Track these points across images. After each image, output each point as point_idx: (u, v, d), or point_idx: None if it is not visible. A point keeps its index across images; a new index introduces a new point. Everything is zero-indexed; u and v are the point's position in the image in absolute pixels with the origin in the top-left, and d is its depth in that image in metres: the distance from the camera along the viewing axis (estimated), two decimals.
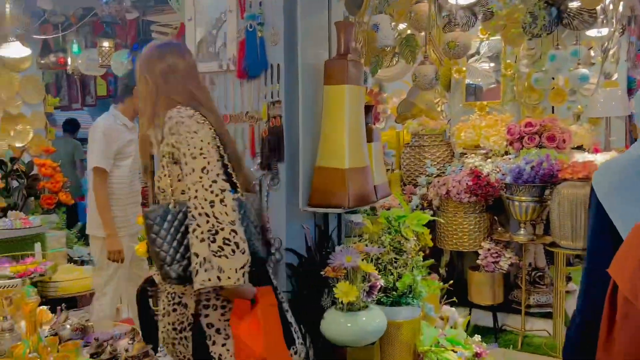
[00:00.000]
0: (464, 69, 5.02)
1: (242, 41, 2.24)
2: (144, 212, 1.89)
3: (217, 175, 1.86)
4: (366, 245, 2.33)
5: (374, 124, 2.57)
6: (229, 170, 1.94)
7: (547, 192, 3.55)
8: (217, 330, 1.93)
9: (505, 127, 4.08)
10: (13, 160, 4.76)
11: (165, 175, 1.93)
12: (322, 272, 2.10)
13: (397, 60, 4.65)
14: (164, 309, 2.05)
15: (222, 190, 1.85)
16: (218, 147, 1.91)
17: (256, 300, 1.93)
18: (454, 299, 3.02)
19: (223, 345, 1.93)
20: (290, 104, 2.19)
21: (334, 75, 2.13)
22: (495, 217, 4.10)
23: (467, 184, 3.86)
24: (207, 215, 1.84)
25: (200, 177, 1.85)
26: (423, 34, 3.79)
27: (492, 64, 5.05)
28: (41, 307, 2.13)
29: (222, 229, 1.83)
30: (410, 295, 2.36)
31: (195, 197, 1.84)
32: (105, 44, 4.71)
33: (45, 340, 1.35)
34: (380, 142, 2.55)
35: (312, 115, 2.19)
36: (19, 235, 3.76)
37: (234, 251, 1.83)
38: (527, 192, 3.54)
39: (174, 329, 1.97)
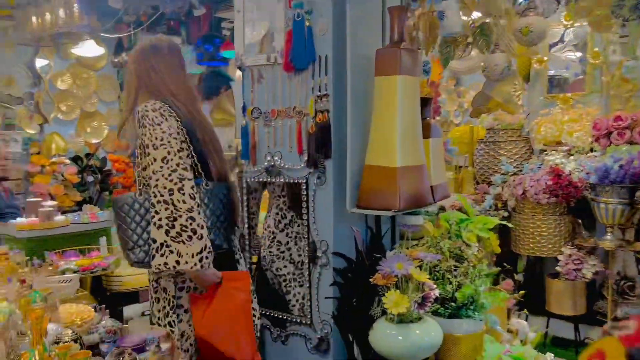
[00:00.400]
0: (546, 58, 4.63)
1: (289, 32, 2.11)
2: (112, 199, 1.99)
3: (177, 165, 1.94)
4: (427, 250, 2.15)
5: (433, 118, 2.36)
6: (195, 160, 2.03)
7: (638, 193, 3.18)
8: (185, 311, 2.05)
9: (590, 121, 3.70)
10: (88, 155, 4.93)
11: (137, 165, 2.04)
12: (370, 279, 1.93)
13: (471, 50, 4.37)
14: (151, 297, 2.16)
15: (181, 179, 1.93)
16: (184, 139, 2.00)
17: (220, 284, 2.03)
18: (525, 311, 2.75)
19: (187, 322, 2.05)
20: (338, 98, 2.03)
21: (386, 65, 1.95)
22: (579, 221, 3.74)
23: (546, 183, 3.54)
24: (165, 202, 1.92)
25: (161, 167, 1.94)
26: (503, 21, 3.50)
27: (579, 54, 4.62)
28: (85, 306, 2.11)
29: (180, 216, 1.91)
30: (472, 307, 2.14)
31: (156, 185, 1.94)
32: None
33: (54, 349, 1.30)
34: (440, 138, 2.34)
35: (362, 109, 2.02)
36: (87, 229, 3.86)
37: (190, 237, 1.92)
38: (614, 193, 3.18)
39: (163, 316, 2.06)
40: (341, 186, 2.04)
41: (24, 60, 5.51)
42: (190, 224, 1.92)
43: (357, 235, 2.12)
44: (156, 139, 1.99)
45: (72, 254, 3.64)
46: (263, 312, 2.32)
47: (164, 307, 2.07)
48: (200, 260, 1.92)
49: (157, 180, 1.94)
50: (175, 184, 1.93)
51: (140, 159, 2.05)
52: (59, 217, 3.79)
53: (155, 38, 2.32)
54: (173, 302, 2.04)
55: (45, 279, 2.72)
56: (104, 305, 2.09)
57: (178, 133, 2.01)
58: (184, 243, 1.92)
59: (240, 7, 2.31)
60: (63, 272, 3.34)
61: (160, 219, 1.93)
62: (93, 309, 2.07)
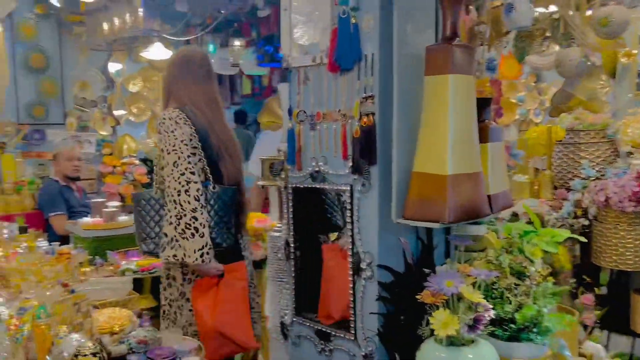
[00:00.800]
0: (635, 51, 4.21)
1: (334, 30, 1.98)
2: (132, 194, 2.66)
3: (186, 169, 2.22)
4: (485, 265, 1.97)
5: (493, 120, 2.15)
6: (205, 165, 2.30)
7: None
8: (188, 300, 2.34)
9: None
10: None
11: (156, 165, 2.34)
12: (417, 296, 1.77)
13: (549, 44, 4.06)
14: (162, 284, 2.42)
15: (188, 182, 2.20)
16: (197, 145, 2.28)
17: (223, 277, 2.28)
18: (606, 330, 2.47)
19: (190, 310, 2.33)
20: (384, 100, 1.89)
21: (436, 63, 1.78)
22: None
23: (632, 190, 3.19)
24: (174, 202, 2.21)
25: (172, 170, 2.22)
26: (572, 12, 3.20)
27: None
28: (128, 312, 2.09)
29: (185, 215, 2.18)
30: (534, 330, 1.93)
31: (168, 186, 2.23)
32: (237, 42, 4.76)
33: None
34: (501, 142, 2.13)
35: (410, 111, 1.86)
36: None
37: (193, 235, 2.19)
38: None
39: (171, 301, 2.37)
40: (387, 194, 1.89)
41: (98, 64, 5.72)
42: (193, 223, 2.17)
43: (405, 247, 1.96)
44: (169, 144, 2.25)
45: (134, 254, 3.70)
46: (304, 323, 2.21)
47: (172, 294, 2.35)
48: (201, 255, 2.20)
49: (169, 182, 2.22)
50: (183, 186, 2.19)
51: (159, 160, 2.31)
52: (123, 218, 3.87)
53: (187, 49, 2.61)
54: (181, 289, 2.34)
55: (91, 281, 2.75)
56: (146, 312, 2.06)
57: (190, 140, 2.28)
58: (187, 239, 2.18)
59: (286, 5, 2.21)
60: (123, 272, 3.39)
61: (171, 216, 2.22)
62: (136, 315, 2.05)
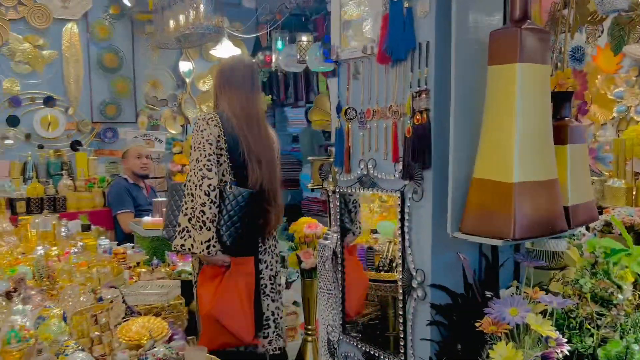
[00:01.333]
0: None
1: (385, 16, 1.75)
2: (170, 184, 2.78)
3: (204, 165, 2.42)
4: (560, 288, 1.67)
5: (575, 118, 1.84)
6: (227, 166, 2.48)
7: None
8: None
9: None
10: None
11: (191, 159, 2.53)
12: (476, 324, 1.52)
13: None
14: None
15: (202, 178, 2.40)
16: (223, 147, 2.48)
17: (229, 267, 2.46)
18: None
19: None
20: (441, 94, 1.63)
21: (501, 50, 1.51)
22: None
23: None
24: (191, 195, 2.42)
25: (193, 166, 2.44)
26: None
27: None
28: (162, 322, 1.96)
29: (196, 208, 2.39)
30: None
31: (189, 180, 2.45)
32: (304, 38, 4.60)
33: None
34: (584, 144, 1.80)
35: (471, 107, 1.60)
36: None
37: (201, 227, 2.39)
38: None
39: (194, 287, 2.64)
40: (442, 203, 1.63)
41: (169, 63, 5.76)
42: (201, 216, 2.38)
43: (465, 265, 1.69)
44: (196, 142, 2.48)
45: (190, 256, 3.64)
46: (351, 342, 2.00)
47: (193, 281, 2.66)
48: (208, 247, 2.40)
49: (189, 176, 2.44)
50: (199, 180, 2.40)
51: (191, 154, 2.49)
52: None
53: (233, 58, 2.80)
54: (196, 277, 2.59)
55: (139, 284, 2.67)
56: (169, 324, 1.93)
57: (217, 141, 2.47)
58: (196, 231, 2.39)
59: None
60: (179, 274, 3.33)
61: (186, 208, 2.43)
62: (168, 327, 1.92)
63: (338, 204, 2.03)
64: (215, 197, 2.41)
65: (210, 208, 2.39)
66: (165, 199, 4.29)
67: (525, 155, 1.49)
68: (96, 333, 1.48)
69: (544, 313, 1.51)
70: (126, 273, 2.79)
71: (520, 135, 1.48)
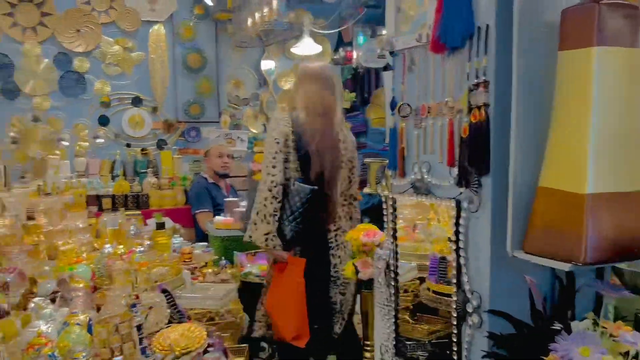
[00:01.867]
0: None
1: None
2: (249, 182, 2.97)
3: (270, 162, 2.62)
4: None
5: None
6: (292, 163, 2.66)
7: None
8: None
9: None
10: None
11: None
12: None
13: None
14: None
15: (267, 174, 2.62)
16: (291, 145, 2.65)
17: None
18: None
19: None
20: (502, 87, 1.39)
21: (575, 32, 1.24)
22: None
23: None
24: (260, 190, 2.64)
25: (265, 163, 2.65)
26: None
27: None
28: (199, 331, 1.86)
29: (260, 202, 2.61)
30: None
31: (261, 176, 2.67)
32: (385, 32, 4.36)
33: None
34: None
35: (537, 101, 1.34)
36: None
37: (262, 221, 2.61)
38: None
39: None
40: (503, 216, 1.39)
41: (251, 62, 5.76)
42: (263, 210, 2.59)
43: (532, 288, 1.43)
44: (268, 140, 2.69)
45: (262, 257, 3.56)
46: None
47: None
48: (266, 240, 2.62)
49: (262, 173, 2.65)
50: (264, 177, 2.61)
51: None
52: None
53: (315, 65, 2.89)
54: (271, 272, 2.81)
55: (198, 286, 2.61)
56: (209, 333, 1.81)
57: (285, 140, 2.64)
58: (259, 223, 2.61)
59: None
60: (246, 276, 3.26)
61: (255, 202, 2.66)
62: (205, 335, 1.81)
63: (392, 211, 1.83)
64: (278, 193, 2.59)
65: (271, 203, 2.58)
66: (237, 198, 4.28)
67: (603, 160, 1.21)
68: (116, 344, 1.41)
69: (625, 355, 1.23)
70: (186, 274, 2.75)
71: (596, 135, 1.21)
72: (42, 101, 5.13)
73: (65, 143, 5.18)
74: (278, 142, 2.62)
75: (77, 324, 1.48)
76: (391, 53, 1.84)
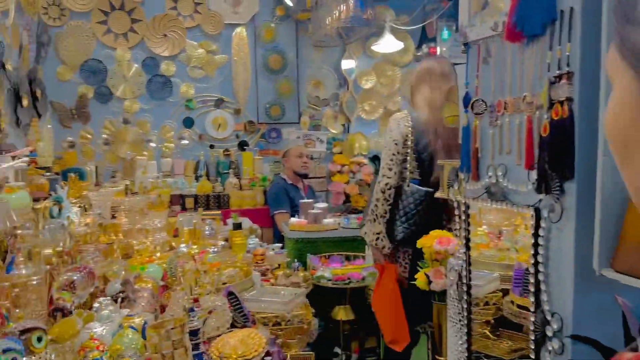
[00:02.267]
0: None
1: None
2: (372, 183, 2.98)
3: (386, 163, 2.63)
4: None
5: None
6: (408, 164, 2.62)
7: None
8: None
9: None
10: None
11: None
12: None
13: None
14: None
15: (382, 175, 2.64)
16: (409, 145, 2.61)
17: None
18: None
19: None
20: (588, 79, 1.21)
21: None
22: None
23: None
24: (374, 190, 2.67)
25: (382, 164, 2.66)
26: None
27: None
28: (259, 338, 1.80)
29: (372, 202, 2.67)
30: None
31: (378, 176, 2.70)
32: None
33: None
34: None
35: None
36: (356, 235, 3.63)
37: (374, 220, 2.66)
38: None
39: None
40: (589, 227, 1.20)
41: (331, 62, 5.69)
42: (375, 209, 2.64)
43: (625, 312, 1.24)
44: (386, 141, 2.69)
45: (336, 260, 3.47)
46: None
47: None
48: (377, 239, 2.68)
49: (379, 173, 2.67)
50: (379, 178, 2.63)
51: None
52: (328, 221, 3.67)
53: (432, 62, 2.81)
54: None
55: (267, 289, 2.55)
56: (270, 340, 1.73)
57: (404, 141, 2.63)
58: (371, 222, 2.67)
59: None
60: (318, 279, 3.19)
61: (369, 201, 2.74)
62: (264, 342, 1.74)
63: (464, 217, 1.67)
64: (390, 196, 2.62)
65: (382, 204, 2.62)
66: (312, 200, 4.23)
67: None
68: (167, 350, 1.37)
69: None
70: (257, 276, 2.71)
71: None
72: (132, 104, 5.35)
73: (153, 144, 5.37)
74: (397, 144, 2.62)
75: (131, 327, 1.46)
76: (465, 45, 1.69)
